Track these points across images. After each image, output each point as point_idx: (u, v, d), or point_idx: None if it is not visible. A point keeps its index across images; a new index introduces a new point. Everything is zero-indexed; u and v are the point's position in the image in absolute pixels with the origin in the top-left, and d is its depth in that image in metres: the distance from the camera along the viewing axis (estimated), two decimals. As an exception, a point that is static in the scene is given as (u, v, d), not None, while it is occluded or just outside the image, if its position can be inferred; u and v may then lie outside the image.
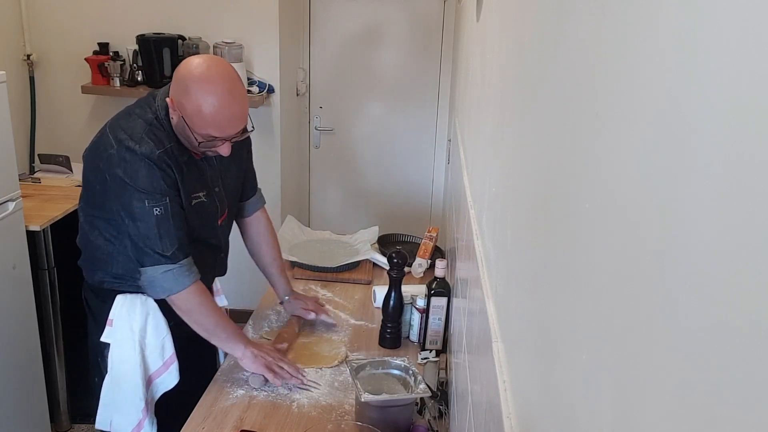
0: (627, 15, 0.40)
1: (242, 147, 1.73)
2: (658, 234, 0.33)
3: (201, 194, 1.61)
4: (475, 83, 1.58)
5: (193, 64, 1.45)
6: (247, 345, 1.60)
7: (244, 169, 1.81)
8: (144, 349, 1.64)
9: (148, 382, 1.66)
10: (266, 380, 1.58)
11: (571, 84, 0.52)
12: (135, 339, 1.62)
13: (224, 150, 1.51)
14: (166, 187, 1.48)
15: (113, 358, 1.64)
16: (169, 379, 1.68)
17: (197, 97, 1.41)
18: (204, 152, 1.56)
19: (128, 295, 1.62)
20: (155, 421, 1.67)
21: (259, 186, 1.93)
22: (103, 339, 1.65)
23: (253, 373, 1.58)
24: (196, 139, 1.48)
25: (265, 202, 1.95)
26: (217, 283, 1.95)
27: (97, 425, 1.72)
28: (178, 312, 1.56)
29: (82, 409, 2.66)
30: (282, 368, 1.59)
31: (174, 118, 1.49)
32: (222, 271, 1.85)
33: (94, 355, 1.73)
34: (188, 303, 1.54)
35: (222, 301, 1.97)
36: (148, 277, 1.51)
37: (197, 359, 1.70)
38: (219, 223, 1.71)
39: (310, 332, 1.88)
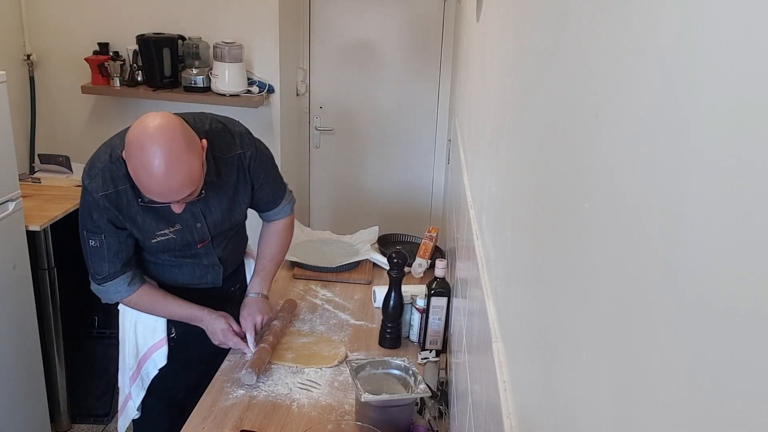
0: (627, 14, 0.40)
1: (239, 183, 1.64)
2: (658, 234, 0.33)
3: (166, 231, 1.58)
4: (475, 83, 1.58)
5: (137, 127, 1.36)
6: (209, 313, 1.71)
7: (244, 201, 1.69)
8: (137, 324, 1.76)
9: (143, 359, 1.77)
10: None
11: (571, 83, 0.52)
12: (133, 312, 1.75)
13: (176, 208, 1.46)
14: (105, 224, 1.52)
15: (123, 323, 1.80)
16: (159, 358, 1.77)
17: (135, 166, 1.36)
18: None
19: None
20: (142, 395, 1.79)
21: (285, 200, 1.85)
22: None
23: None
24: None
25: (289, 213, 1.88)
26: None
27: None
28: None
29: (82, 409, 2.66)
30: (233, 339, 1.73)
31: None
32: (214, 280, 1.78)
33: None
34: (137, 304, 1.68)
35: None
36: (92, 287, 1.63)
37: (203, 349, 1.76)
38: (198, 247, 1.67)
39: (310, 332, 1.88)
